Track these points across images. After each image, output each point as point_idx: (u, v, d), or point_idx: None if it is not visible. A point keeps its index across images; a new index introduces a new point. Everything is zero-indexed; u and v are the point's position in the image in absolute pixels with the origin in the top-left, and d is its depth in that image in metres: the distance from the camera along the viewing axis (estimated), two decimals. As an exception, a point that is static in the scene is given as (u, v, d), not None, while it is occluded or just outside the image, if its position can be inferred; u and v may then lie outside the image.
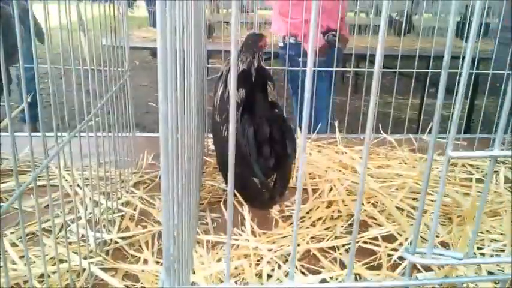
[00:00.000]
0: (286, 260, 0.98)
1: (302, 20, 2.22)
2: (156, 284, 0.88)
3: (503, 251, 1.04)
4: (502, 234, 1.11)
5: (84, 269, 0.90)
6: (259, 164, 1.06)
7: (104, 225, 1.06)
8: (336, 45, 1.94)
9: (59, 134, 0.77)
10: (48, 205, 1.20)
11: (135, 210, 1.18)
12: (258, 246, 0.99)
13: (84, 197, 1.11)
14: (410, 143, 1.73)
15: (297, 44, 2.33)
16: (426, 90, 3.23)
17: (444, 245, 1.08)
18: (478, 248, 1.06)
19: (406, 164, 1.53)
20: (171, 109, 0.43)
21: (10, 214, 1.06)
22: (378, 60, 0.38)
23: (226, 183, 1.26)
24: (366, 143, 0.42)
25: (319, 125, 1.73)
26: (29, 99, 0.65)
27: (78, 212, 1.10)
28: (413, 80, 1.83)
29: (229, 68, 1.20)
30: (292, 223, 1.14)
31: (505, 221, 1.16)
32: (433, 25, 1.85)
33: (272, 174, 1.14)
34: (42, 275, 0.90)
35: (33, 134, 0.71)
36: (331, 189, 1.32)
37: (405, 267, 0.96)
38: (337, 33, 1.90)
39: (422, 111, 1.90)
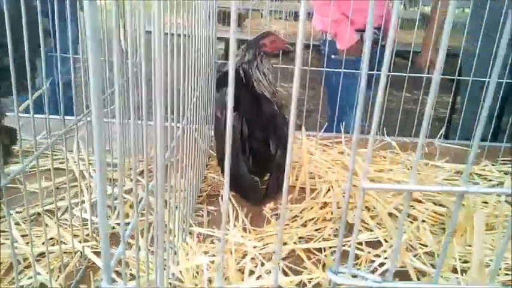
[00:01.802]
0: (271, 258, 1.02)
1: (334, 18, 2.23)
2: (143, 269, 0.93)
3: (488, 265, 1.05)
4: (492, 249, 1.11)
5: (78, 251, 0.96)
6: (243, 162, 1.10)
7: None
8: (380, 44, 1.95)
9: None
10: (57, 188, 1.28)
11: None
12: (244, 242, 1.02)
13: (89, 182, 1.17)
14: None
15: (333, 42, 2.33)
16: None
17: (432, 254, 1.09)
18: (465, 262, 1.06)
19: (409, 169, 1.53)
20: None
21: (17, 196, 1.13)
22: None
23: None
24: (370, 144, 0.41)
25: (343, 123, 1.74)
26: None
27: (83, 195, 1.17)
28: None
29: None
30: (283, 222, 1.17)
31: (497, 236, 1.16)
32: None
33: (263, 173, 1.18)
34: (40, 254, 0.97)
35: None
36: (328, 190, 1.34)
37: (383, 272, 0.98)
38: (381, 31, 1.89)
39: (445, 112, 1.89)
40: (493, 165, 1.66)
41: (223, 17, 4.17)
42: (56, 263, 0.92)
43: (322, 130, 1.75)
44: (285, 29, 3.59)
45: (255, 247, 1.03)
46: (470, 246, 1.11)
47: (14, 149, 0.95)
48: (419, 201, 1.33)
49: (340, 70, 1.84)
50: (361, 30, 2.31)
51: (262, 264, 0.98)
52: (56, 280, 0.89)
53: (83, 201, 1.15)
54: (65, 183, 1.22)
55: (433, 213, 1.27)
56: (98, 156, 0.40)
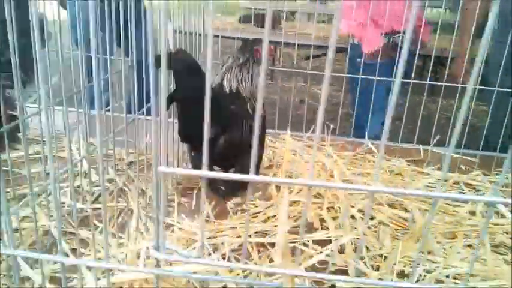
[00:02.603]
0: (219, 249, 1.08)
1: (360, 21, 2.24)
2: (99, 251, 1.03)
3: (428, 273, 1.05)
4: (445, 257, 1.11)
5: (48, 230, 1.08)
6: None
7: (84, 196, 1.24)
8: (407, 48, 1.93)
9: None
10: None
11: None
12: (196, 231, 1.10)
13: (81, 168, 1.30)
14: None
15: (359, 45, 2.33)
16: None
17: (383, 257, 1.11)
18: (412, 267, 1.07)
19: (390, 175, 1.53)
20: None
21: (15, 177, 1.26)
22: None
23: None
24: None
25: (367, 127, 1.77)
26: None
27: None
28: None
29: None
30: (243, 217, 1.24)
31: (457, 245, 1.16)
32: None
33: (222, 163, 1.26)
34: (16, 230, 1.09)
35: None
36: (300, 190, 1.38)
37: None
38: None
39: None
40: (485, 175, 1.62)
41: (261, 19, 4.24)
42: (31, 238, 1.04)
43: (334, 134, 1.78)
44: (316, 31, 3.62)
45: (208, 238, 1.10)
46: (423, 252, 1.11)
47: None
48: (393, 207, 1.34)
49: (372, 77, 1.90)
50: (388, 34, 2.31)
51: (210, 254, 1.05)
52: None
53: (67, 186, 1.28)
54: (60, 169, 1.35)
55: (401, 218, 1.28)
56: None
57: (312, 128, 1.79)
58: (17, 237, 1.02)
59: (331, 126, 1.73)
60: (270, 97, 4.21)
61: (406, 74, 1.84)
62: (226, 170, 1.29)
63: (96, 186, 1.32)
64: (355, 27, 2.31)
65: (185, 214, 1.23)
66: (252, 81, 1.35)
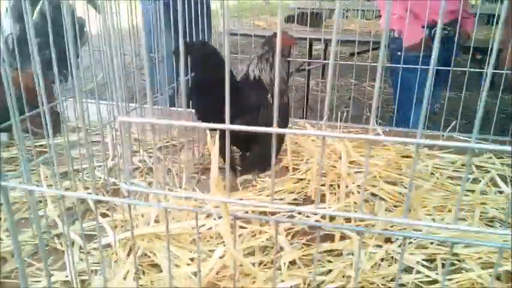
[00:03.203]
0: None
1: (399, 15, 2.32)
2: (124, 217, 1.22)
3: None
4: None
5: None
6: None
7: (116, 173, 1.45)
8: (456, 40, 2.04)
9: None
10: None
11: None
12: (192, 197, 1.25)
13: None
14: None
15: (399, 39, 2.41)
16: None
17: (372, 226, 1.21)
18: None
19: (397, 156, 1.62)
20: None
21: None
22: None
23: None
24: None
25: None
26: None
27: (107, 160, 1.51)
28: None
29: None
30: (251, 190, 1.39)
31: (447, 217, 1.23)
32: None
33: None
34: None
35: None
36: (308, 169, 1.51)
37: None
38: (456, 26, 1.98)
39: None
40: (499, 158, 1.65)
41: (305, 18, 4.35)
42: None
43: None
44: (360, 27, 3.69)
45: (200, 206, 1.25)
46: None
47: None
48: (394, 184, 1.44)
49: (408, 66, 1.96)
50: (428, 27, 2.35)
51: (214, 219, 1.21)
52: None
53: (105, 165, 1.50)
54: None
55: (400, 194, 1.37)
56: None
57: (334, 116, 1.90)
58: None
59: (345, 111, 1.84)
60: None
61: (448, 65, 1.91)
62: (244, 153, 1.45)
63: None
64: (394, 20, 2.37)
65: (203, 188, 1.40)
66: (270, 70, 1.50)
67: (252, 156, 1.45)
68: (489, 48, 1.83)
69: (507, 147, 0.49)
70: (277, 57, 0.53)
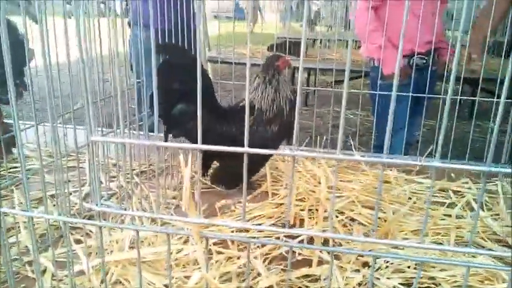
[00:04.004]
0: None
1: (379, 44, 2.37)
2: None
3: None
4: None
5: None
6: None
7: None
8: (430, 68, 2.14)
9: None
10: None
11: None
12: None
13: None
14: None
15: (379, 67, 2.45)
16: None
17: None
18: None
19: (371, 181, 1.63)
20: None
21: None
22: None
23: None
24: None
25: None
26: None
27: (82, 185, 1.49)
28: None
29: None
30: (231, 215, 1.38)
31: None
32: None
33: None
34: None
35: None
36: (286, 195, 1.51)
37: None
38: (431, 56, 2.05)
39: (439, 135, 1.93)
40: (475, 183, 1.68)
41: (289, 47, 4.44)
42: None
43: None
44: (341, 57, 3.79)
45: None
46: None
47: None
48: (371, 208, 1.44)
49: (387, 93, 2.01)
50: (408, 56, 2.39)
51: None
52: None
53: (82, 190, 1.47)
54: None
55: (379, 219, 1.38)
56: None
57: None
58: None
59: (324, 138, 1.86)
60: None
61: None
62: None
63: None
64: (374, 49, 2.43)
65: (178, 214, 1.39)
66: (275, 92, 1.51)
67: (218, 171, 1.48)
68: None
69: (483, 167, 0.50)
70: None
